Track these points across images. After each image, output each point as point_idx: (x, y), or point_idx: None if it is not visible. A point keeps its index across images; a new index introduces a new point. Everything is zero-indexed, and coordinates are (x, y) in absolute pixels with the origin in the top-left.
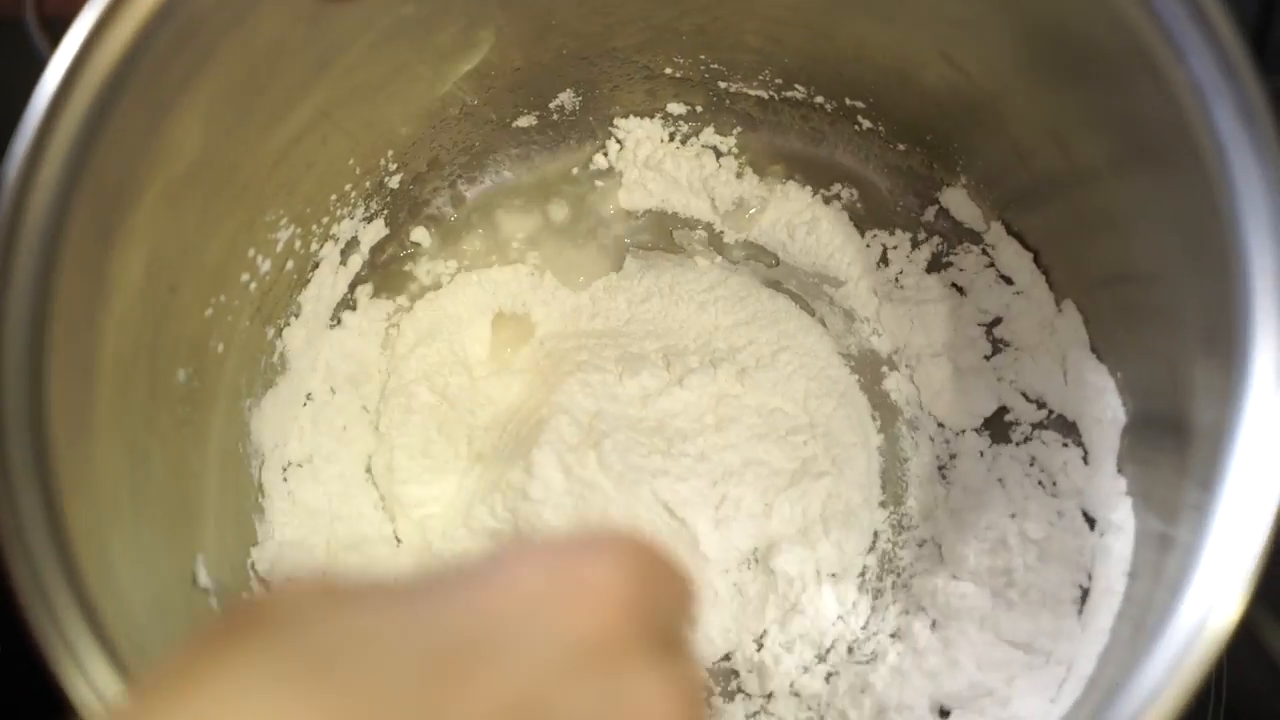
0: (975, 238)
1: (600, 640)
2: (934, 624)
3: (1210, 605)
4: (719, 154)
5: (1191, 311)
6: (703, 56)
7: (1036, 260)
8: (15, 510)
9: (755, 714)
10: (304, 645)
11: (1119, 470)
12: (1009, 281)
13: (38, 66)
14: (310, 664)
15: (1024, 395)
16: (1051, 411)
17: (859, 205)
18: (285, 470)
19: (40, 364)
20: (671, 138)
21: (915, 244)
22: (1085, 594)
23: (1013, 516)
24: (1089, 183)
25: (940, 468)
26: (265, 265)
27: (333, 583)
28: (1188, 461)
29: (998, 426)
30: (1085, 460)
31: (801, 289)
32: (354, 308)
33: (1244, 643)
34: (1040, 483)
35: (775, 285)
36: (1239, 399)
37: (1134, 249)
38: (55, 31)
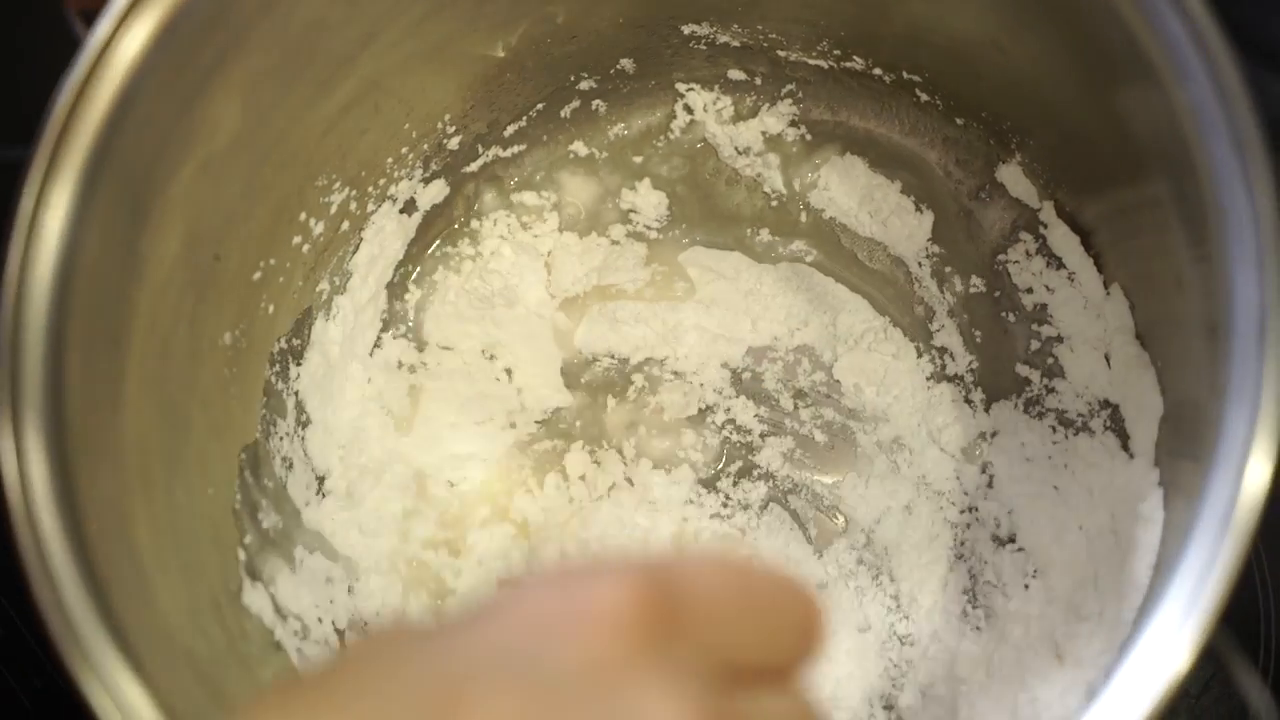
0: (1030, 216)
1: (607, 662)
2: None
3: (1195, 586)
4: (780, 130)
5: (1199, 299)
6: (760, 26)
7: (1086, 243)
8: (26, 482)
9: None
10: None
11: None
12: (1060, 265)
13: (73, 49)
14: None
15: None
16: (1097, 399)
17: (915, 182)
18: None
19: (62, 339)
20: (735, 116)
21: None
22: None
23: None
24: (1131, 175)
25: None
26: (318, 227)
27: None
28: (1198, 451)
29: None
30: (1125, 448)
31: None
32: (412, 267)
33: None
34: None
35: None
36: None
37: (1163, 238)
38: (90, 17)
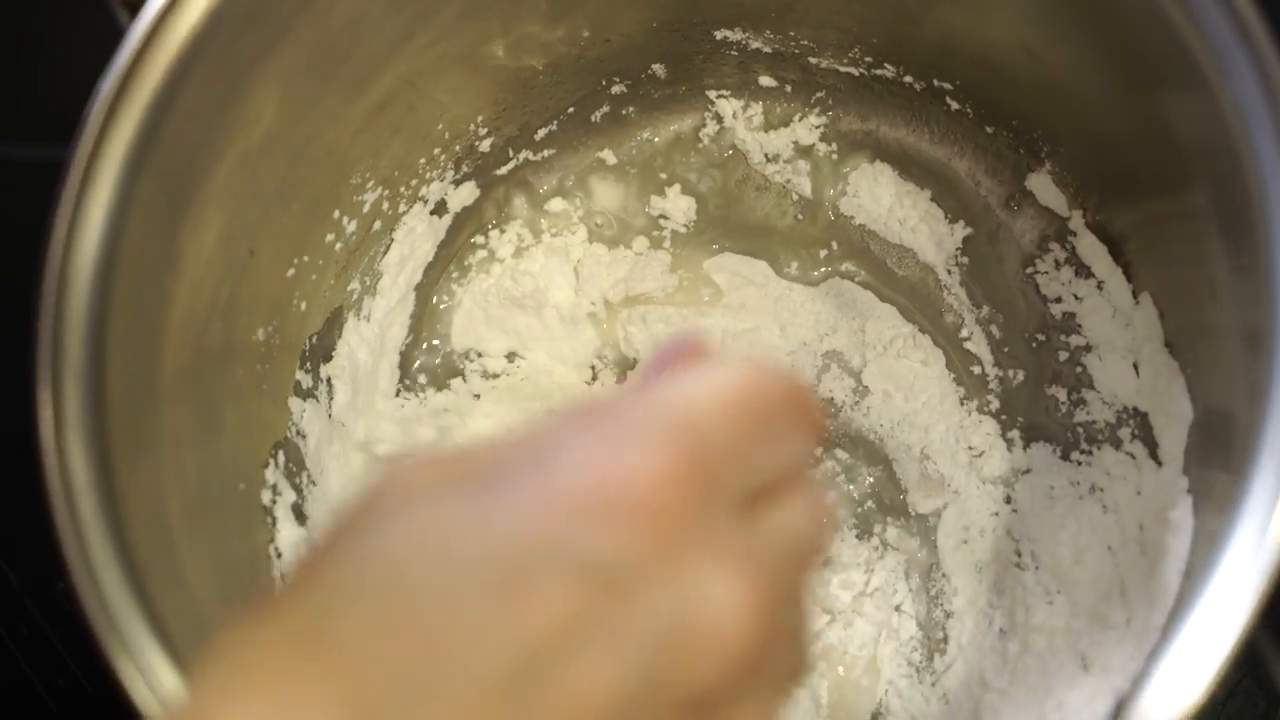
0: (1059, 225)
1: (662, 535)
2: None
3: (1230, 592)
4: (810, 137)
5: (1238, 316)
6: (792, 33)
7: (1115, 251)
8: (66, 468)
9: None
10: (374, 560)
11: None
12: (1089, 274)
13: (118, 39)
14: (380, 580)
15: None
16: (1125, 408)
17: (945, 190)
18: None
19: (103, 326)
20: (765, 124)
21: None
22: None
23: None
24: (1168, 183)
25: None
26: (351, 226)
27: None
28: (1231, 459)
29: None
30: (1153, 456)
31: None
32: (441, 269)
33: None
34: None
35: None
36: (1269, 399)
37: (1198, 247)
38: (134, 6)
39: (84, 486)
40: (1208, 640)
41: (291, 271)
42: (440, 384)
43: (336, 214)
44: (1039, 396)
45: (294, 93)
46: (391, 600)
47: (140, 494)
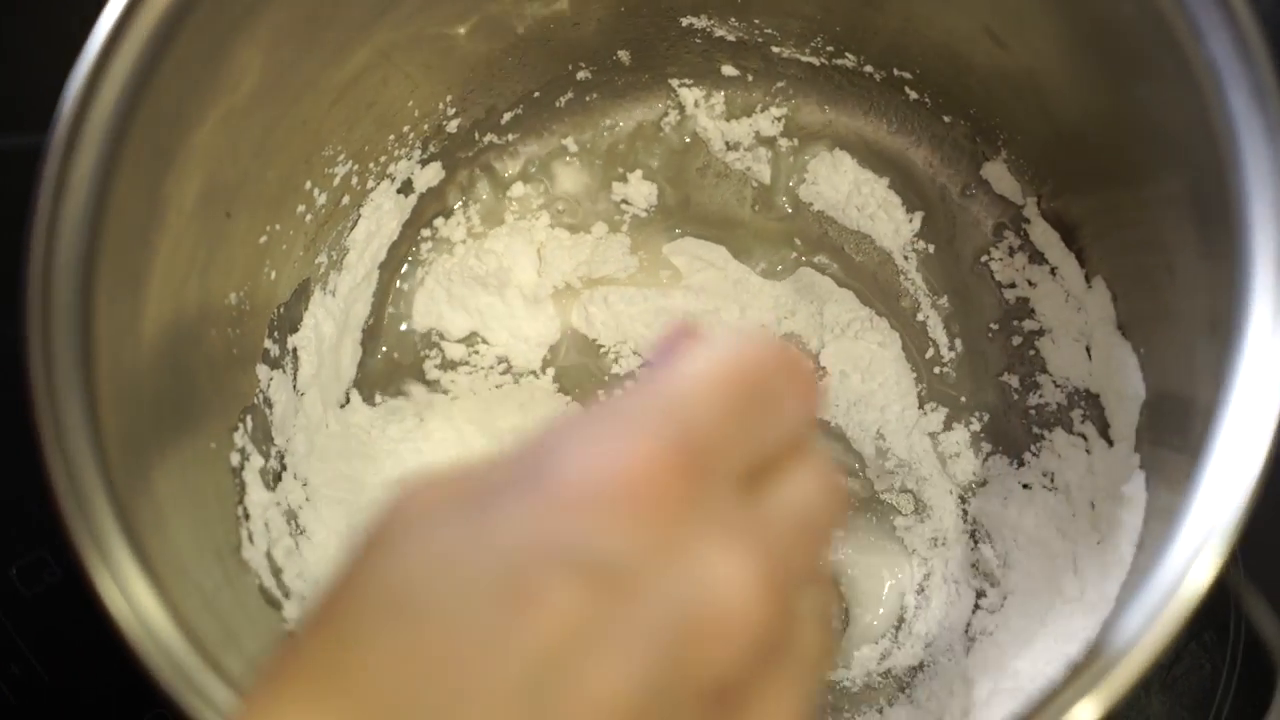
0: (1014, 212)
1: (664, 527)
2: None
3: (1187, 565)
4: (772, 129)
5: (1201, 300)
6: (757, 21)
7: (1069, 237)
8: (56, 405)
9: None
10: (386, 588)
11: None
12: (1041, 260)
13: None
14: (392, 607)
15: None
16: (1077, 390)
17: (902, 179)
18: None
19: (91, 270)
20: (727, 114)
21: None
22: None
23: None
24: (1121, 166)
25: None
26: (322, 198)
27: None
28: (1189, 440)
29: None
30: (1104, 435)
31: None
32: (406, 247)
33: None
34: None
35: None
36: (1231, 381)
37: (1159, 232)
38: None
39: (74, 423)
40: (1164, 604)
41: (264, 239)
42: (398, 381)
43: (308, 185)
44: (993, 380)
45: (277, 55)
46: (404, 627)
47: (124, 441)
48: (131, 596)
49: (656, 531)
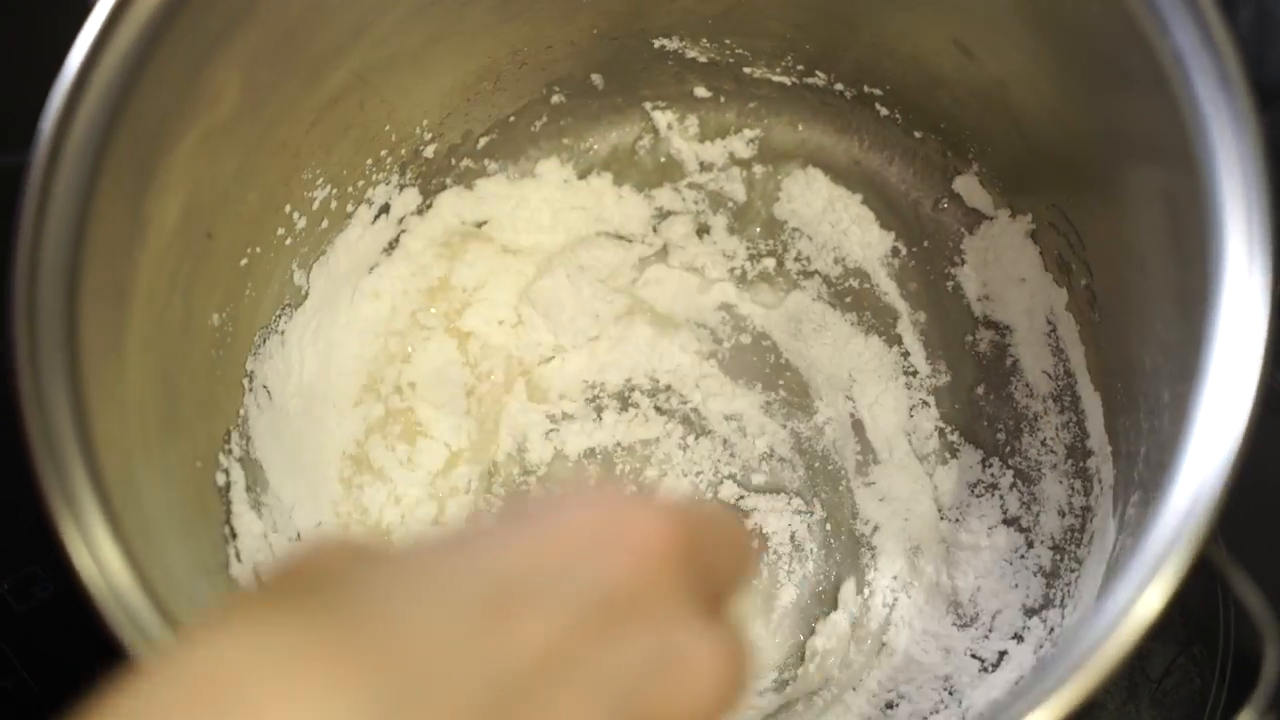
0: (986, 223)
1: (648, 591)
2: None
3: (1169, 545)
4: (746, 150)
5: (1172, 290)
6: (728, 41)
7: (1039, 239)
8: (44, 409)
9: None
10: (348, 599)
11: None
12: (1013, 269)
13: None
14: (355, 616)
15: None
16: (1048, 393)
17: (875, 195)
18: None
19: (76, 281)
20: (701, 135)
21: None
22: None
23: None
24: (1092, 169)
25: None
26: (301, 221)
27: (363, 547)
28: (1160, 435)
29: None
30: (1080, 429)
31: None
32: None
33: None
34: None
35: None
36: (1200, 380)
37: (1131, 232)
38: None
39: (63, 435)
40: (1144, 590)
41: (245, 261)
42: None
43: (288, 208)
44: (967, 390)
45: (255, 76)
46: (378, 607)
47: (113, 449)
48: (128, 607)
49: (648, 585)
